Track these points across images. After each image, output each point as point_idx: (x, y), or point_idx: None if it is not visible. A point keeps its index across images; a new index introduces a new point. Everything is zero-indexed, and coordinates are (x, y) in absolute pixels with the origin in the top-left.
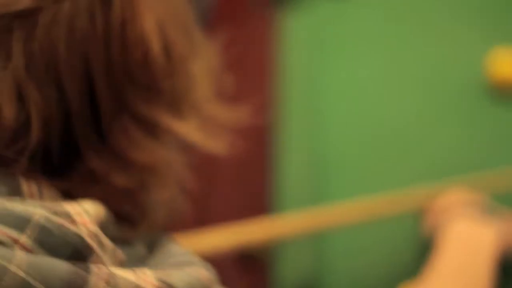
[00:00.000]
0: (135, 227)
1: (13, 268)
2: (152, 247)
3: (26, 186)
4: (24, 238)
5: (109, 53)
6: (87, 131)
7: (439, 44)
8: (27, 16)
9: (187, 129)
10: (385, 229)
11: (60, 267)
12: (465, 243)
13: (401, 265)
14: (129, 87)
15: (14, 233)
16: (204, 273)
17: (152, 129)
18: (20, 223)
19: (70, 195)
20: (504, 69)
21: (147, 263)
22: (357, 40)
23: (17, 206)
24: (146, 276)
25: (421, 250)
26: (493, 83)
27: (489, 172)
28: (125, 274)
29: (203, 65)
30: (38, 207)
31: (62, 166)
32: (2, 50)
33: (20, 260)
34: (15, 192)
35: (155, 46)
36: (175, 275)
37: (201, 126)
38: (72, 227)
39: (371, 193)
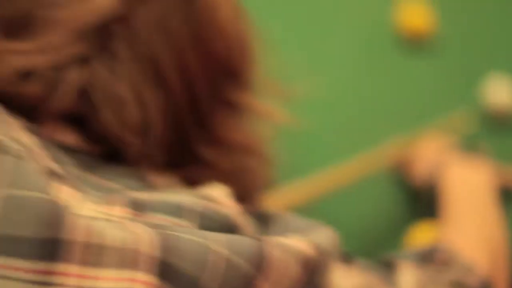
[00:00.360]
0: (245, 204)
1: (213, 245)
2: (263, 220)
3: (153, 178)
4: (185, 223)
5: (199, 46)
6: (193, 122)
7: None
8: (121, 21)
9: (269, 107)
10: (363, 190)
11: (245, 241)
12: (466, 183)
13: (395, 217)
14: (219, 76)
15: (176, 220)
16: (331, 232)
17: (242, 112)
18: (178, 210)
19: (189, 182)
20: (410, 20)
21: (271, 232)
22: None
23: (169, 196)
24: (297, 240)
25: (408, 200)
26: (400, 31)
27: (441, 119)
28: (282, 240)
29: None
30: (186, 195)
31: (178, 157)
32: (111, 54)
33: (216, 237)
34: (146, 185)
35: (235, 34)
36: (315, 236)
37: (275, 104)
38: (221, 209)
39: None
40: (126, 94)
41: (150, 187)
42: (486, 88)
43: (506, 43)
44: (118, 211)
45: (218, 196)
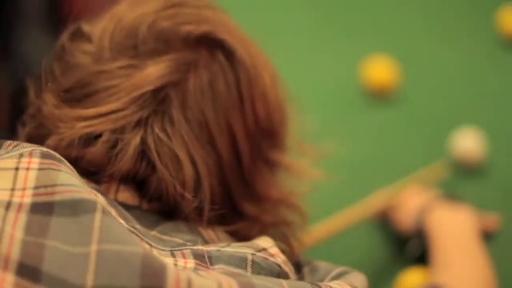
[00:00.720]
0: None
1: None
2: (300, 267)
3: (205, 233)
4: (249, 273)
5: (243, 108)
6: (237, 180)
7: (317, 55)
8: (174, 86)
9: (300, 165)
10: (353, 238)
11: (306, 285)
12: (451, 226)
13: (384, 264)
14: (259, 137)
15: (240, 270)
16: (363, 276)
17: (278, 170)
18: (241, 262)
19: (236, 236)
20: (376, 75)
21: (315, 278)
22: None
23: (230, 249)
24: (340, 285)
25: (394, 246)
26: (367, 87)
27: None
28: (331, 284)
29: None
30: (244, 248)
31: (225, 213)
32: (166, 116)
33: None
34: (201, 239)
35: (274, 98)
36: (352, 280)
37: (305, 162)
38: (271, 259)
39: None
40: (181, 154)
41: (205, 241)
42: (456, 139)
43: (473, 95)
44: (185, 263)
45: (268, 247)
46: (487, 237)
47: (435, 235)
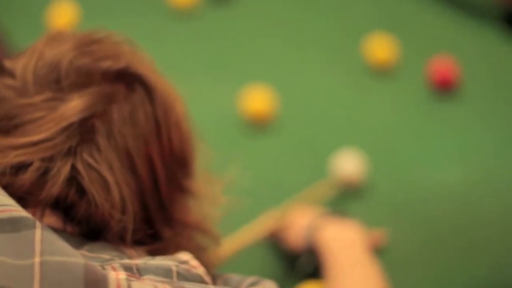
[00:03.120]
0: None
1: None
2: (216, 278)
3: (128, 251)
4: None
5: (160, 138)
6: (156, 206)
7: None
8: (99, 117)
9: (209, 191)
10: (245, 260)
11: None
12: (342, 240)
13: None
14: (173, 165)
15: (166, 280)
16: (273, 284)
17: (192, 197)
18: (167, 272)
19: (154, 255)
20: (254, 104)
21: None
22: None
23: (155, 262)
24: None
25: (286, 264)
26: (246, 116)
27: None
28: None
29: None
30: (168, 260)
31: (144, 235)
32: (93, 144)
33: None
34: (126, 256)
35: (185, 129)
36: (269, 287)
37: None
38: (193, 270)
39: None
40: (109, 178)
41: (129, 258)
42: (336, 161)
43: (347, 119)
44: (117, 274)
45: (189, 260)
46: (375, 252)
47: (326, 250)
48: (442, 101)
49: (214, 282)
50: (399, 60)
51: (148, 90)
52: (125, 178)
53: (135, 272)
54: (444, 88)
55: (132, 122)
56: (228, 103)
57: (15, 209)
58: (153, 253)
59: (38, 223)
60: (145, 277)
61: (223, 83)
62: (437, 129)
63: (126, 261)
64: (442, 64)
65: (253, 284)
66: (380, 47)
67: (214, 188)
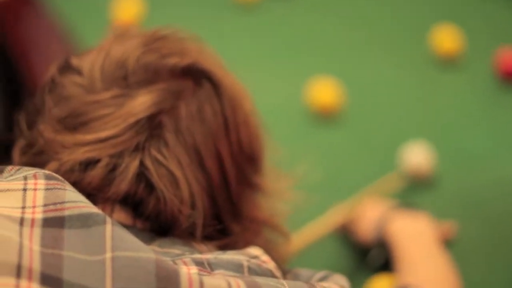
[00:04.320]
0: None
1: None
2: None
3: (198, 246)
4: (246, 278)
5: (228, 134)
6: (224, 201)
7: (263, 77)
8: (166, 113)
9: (279, 188)
10: (316, 253)
11: (303, 285)
12: (412, 232)
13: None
14: (242, 161)
15: (238, 275)
16: (344, 277)
17: (261, 193)
18: (238, 267)
19: (224, 250)
20: (322, 96)
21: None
22: None
23: (227, 256)
24: (333, 284)
25: (356, 258)
26: (314, 109)
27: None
28: (323, 284)
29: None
30: (239, 255)
31: (212, 231)
32: (161, 140)
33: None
34: (196, 251)
35: (253, 125)
36: (339, 281)
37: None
38: (264, 265)
39: None
40: (177, 173)
41: (200, 252)
42: (405, 153)
43: (414, 111)
44: (188, 269)
45: (260, 255)
46: (445, 244)
47: (397, 243)
48: (510, 91)
49: (284, 277)
50: (465, 51)
51: (215, 86)
52: (194, 174)
53: (206, 267)
54: (510, 78)
55: (200, 118)
56: (294, 96)
57: (84, 205)
58: (222, 248)
59: (108, 219)
60: (216, 272)
61: (289, 76)
62: (504, 120)
63: (197, 255)
64: (509, 54)
65: (323, 278)
66: (446, 38)
67: (283, 183)
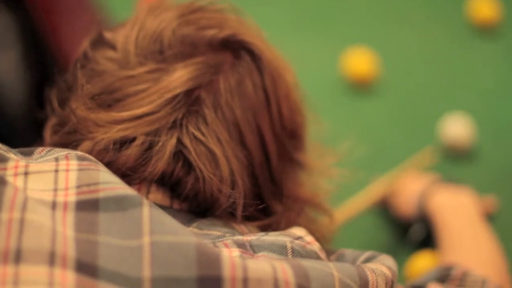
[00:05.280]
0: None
1: (333, 271)
2: (330, 254)
3: (238, 228)
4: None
5: (269, 109)
6: (266, 179)
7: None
8: (204, 88)
9: (322, 165)
10: (352, 229)
11: (350, 267)
12: (454, 207)
13: (390, 250)
14: (284, 137)
15: (282, 257)
16: (391, 258)
17: (303, 170)
18: (282, 249)
19: (266, 230)
20: (358, 67)
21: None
22: None
23: (269, 238)
24: (380, 265)
25: (397, 232)
26: (349, 79)
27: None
28: (371, 265)
29: None
30: (282, 236)
31: (253, 211)
32: (200, 116)
33: (328, 264)
34: (237, 232)
35: (295, 100)
36: (386, 262)
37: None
38: (308, 246)
39: None
40: (217, 151)
41: (240, 234)
42: (445, 125)
43: (451, 82)
44: (230, 252)
45: (304, 235)
46: (487, 218)
47: (439, 218)
48: None
49: (328, 258)
50: (503, 19)
51: (255, 59)
52: (233, 151)
53: (248, 249)
54: None
55: (240, 93)
56: (330, 67)
57: (120, 187)
58: (264, 228)
59: (145, 201)
60: (260, 254)
61: (323, 46)
62: None
63: (239, 237)
64: None
65: (369, 259)
66: (484, 6)
67: (326, 160)
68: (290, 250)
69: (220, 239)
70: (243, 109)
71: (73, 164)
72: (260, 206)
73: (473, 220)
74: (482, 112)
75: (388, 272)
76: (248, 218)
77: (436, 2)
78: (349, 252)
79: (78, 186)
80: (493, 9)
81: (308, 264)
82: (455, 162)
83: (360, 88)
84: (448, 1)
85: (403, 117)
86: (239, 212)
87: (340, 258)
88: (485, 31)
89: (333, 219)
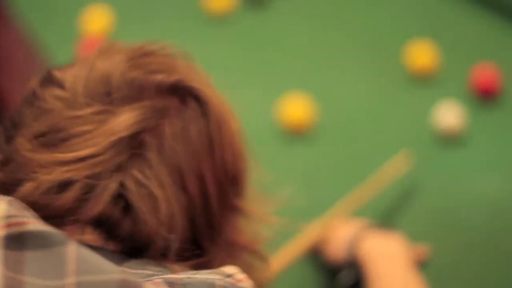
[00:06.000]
0: None
1: None
2: None
3: (170, 266)
4: None
5: (213, 155)
6: (205, 224)
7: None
8: (150, 132)
9: (261, 211)
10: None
11: None
12: (385, 254)
13: None
14: (226, 183)
15: None
16: None
17: (243, 216)
18: (210, 287)
19: (199, 269)
20: (294, 112)
21: None
22: None
23: (200, 276)
24: None
25: (327, 278)
26: (286, 125)
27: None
28: None
29: None
30: (213, 274)
31: (188, 254)
32: (143, 160)
33: None
34: (168, 271)
35: (239, 146)
36: None
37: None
38: (240, 284)
39: None
40: (158, 194)
41: (173, 272)
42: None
43: (385, 126)
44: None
45: (235, 273)
46: (419, 266)
47: (368, 263)
48: (484, 108)
49: None
50: (440, 67)
51: (202, 105)
52: (175, 195)
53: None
54: (486, 96)
55: (184, 138)
56: (267, 111)
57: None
58: (197, 267)
59: (70, 240)
60: None
61: (260, 91)
62: (478, 137)
63: (170, 276)
64: (485, 71)
65: None
66: (421, 53)
67: (265, 207)
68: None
69: (150, 278)
70: (186, 154)
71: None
72: (196, 252)
73: (403, 267)
74: (418, 155)
75: None
76: (182, 259)
77: (374, 48)
78: None
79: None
80: (430, 56)
81: None
82: (386, 208)
83: (297, 134)
84: (385, 47)
85: (339, 162)
86: (173, 255)
87: None
88: (422, 78)
89: (270, 266)
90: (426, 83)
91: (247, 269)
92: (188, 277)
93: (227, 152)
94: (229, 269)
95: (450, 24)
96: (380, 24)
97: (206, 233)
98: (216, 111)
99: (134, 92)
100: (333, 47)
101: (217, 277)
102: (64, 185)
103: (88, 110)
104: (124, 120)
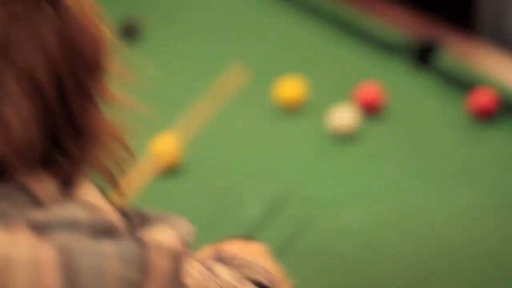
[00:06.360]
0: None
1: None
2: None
3: (35, 187)
4: (82, 236)
5: (67, 45)
6: (64, 121)
7: None
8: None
9: (123, 96)
10: None
11: (133, 249)
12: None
13: None
14: (84, 71)
15: (74, 235)
16: (187, 222)
17: (104, 102)
18: (73, 225)
19: (67, 182)
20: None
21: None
22: None
23: (62, 212)
24: (168, 235)
25: None
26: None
27: None
28: (156, 236)
29: None
30: (75, 208)
31: (50, 156)
32: None
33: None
34: (32, 199)
35: (97, 31)
36: (179, 228)
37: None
38: (104, 216)
39: None
40: (11, 117)
41: (37, 202)
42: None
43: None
44: (22, 235)
45: (98, 203)
46: None
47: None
48: (340, 144)
49: (127, 217)
50: (308, 99)
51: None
52: (28, 107)
53: (42, 230)
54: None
55: (37, 40)
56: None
57: None
58: (63, 175)
59: None
60: (56, 234)
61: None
62: (338, 169)
63: (32, 215)
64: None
65: (166, 218)
66: (289, 87)
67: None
68: (88, 226)
69: (13, 218)
70: (37, 53)
71: None
72: (59, 152)
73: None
74: (284, 188)
75: (175, 243)
76: (48, 166)
77: (244, 85)
78: (148, 212)
79: None
80: (297, 92)
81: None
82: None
83: (166, 171)
84: (255, 83)
85: (207, 197)
86: (35, 164)
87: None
88: (290, 112)
89: (132, 154)
90: (293, 116)
91: (111, 157)
92: (51, 218)
93: (83, 39)
94: (92, 197)
95: (317, 58)
96: (250, 61)
97: (66, 131)
98: (72, 6)
99: None
100: (199, 84)
101: (79, 211)
102: None
103: None
104: None
